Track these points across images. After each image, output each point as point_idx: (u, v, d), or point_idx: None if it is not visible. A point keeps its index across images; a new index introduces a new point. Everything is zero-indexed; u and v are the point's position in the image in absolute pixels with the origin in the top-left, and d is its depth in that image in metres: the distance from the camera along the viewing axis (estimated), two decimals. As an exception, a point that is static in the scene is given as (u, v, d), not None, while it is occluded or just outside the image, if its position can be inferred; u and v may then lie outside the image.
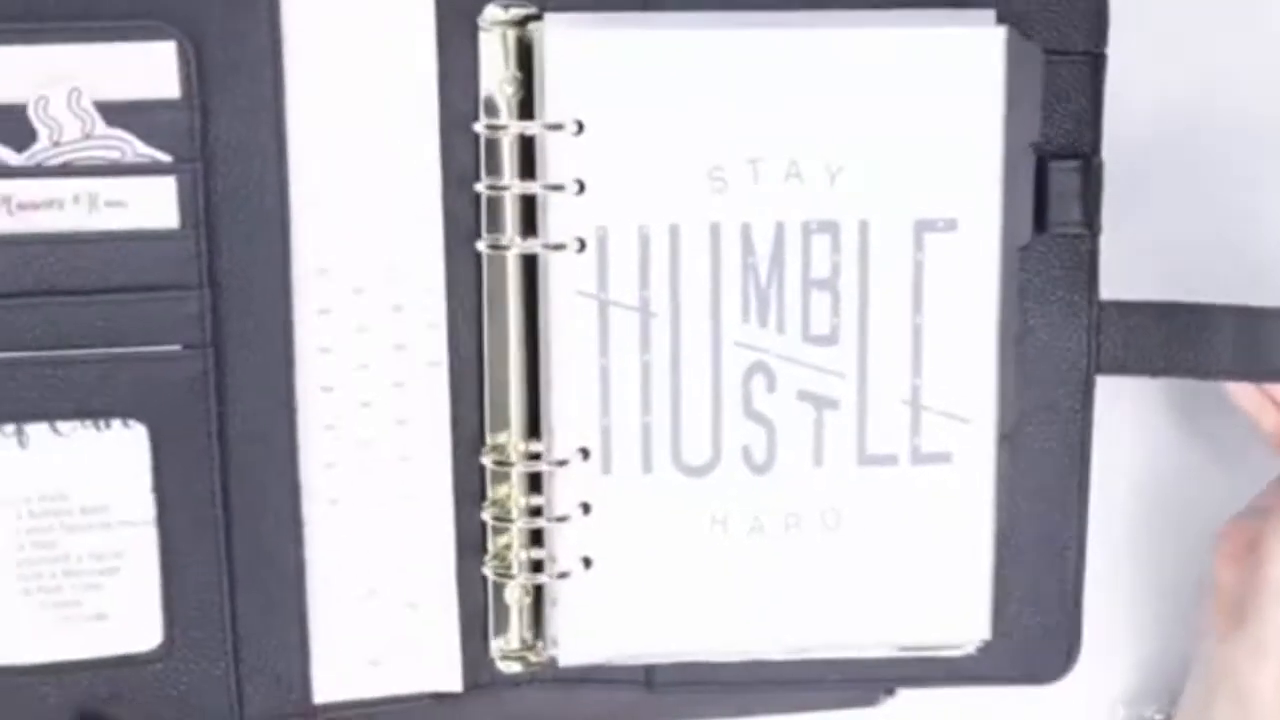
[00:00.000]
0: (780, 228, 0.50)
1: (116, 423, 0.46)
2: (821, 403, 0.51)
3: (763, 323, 0.50)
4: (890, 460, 0.51)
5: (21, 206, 0.45)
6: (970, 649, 0.53)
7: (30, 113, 0.44)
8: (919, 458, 0.51)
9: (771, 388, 0.51)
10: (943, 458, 0.51)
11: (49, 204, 0.45)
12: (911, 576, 0.52)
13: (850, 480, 0.51)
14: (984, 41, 0.49)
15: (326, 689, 0.50)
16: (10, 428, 0.46)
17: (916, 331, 0.51)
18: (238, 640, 0.49)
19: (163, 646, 0.48)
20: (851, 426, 0.51)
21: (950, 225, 0.50)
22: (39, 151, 0.45)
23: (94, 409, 0.46)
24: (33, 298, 0.45)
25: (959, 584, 0.52)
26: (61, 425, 0.46)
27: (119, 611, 0.47)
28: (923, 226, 0.50)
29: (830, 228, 0.50)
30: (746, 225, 0.50)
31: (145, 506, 0.47)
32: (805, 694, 0.55)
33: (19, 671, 0.47)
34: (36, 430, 0.46)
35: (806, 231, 0.50)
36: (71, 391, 0.46)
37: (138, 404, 0.46)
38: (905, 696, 0.57)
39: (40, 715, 0.47)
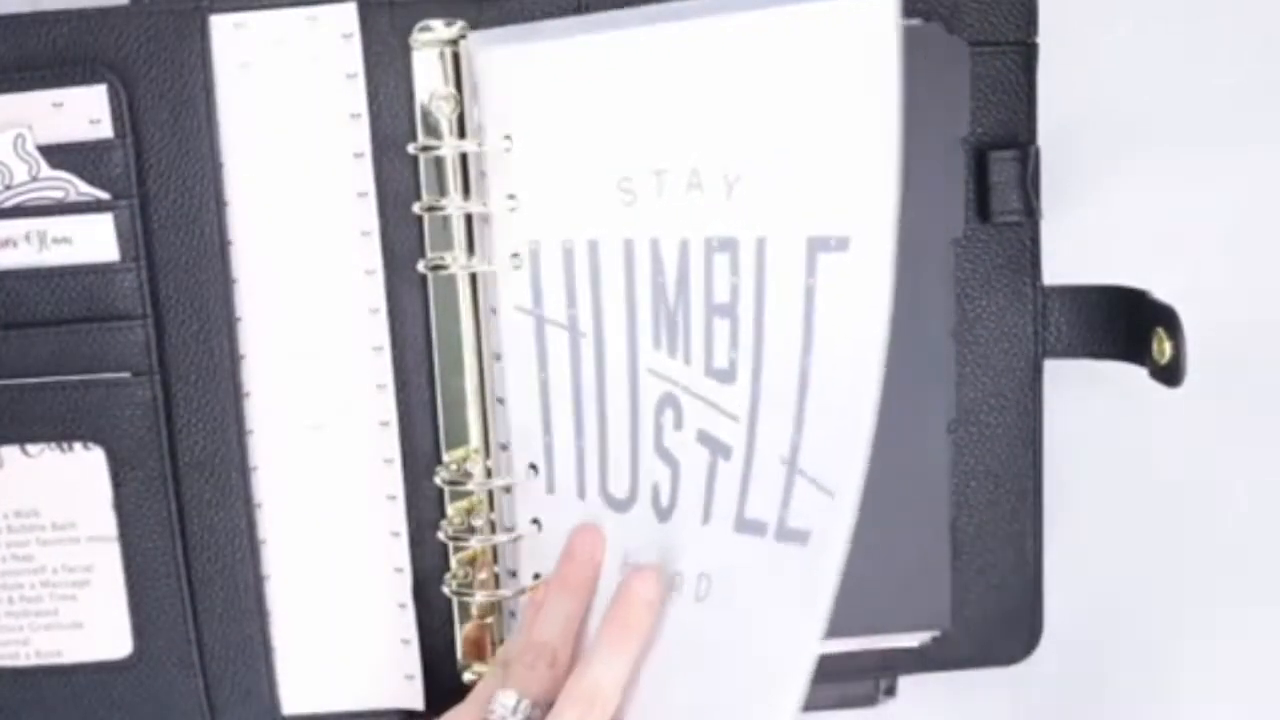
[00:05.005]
0: (685, 246, 0.47)
1: (78, 445, 0.49)
2: (717, 448, 0.46)
3: (672, 352, 0.47)
4: (760, 529, 0.45)
5: (-16, 247, 0.48)
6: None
7: (-16, 159, 0.48)
8: (783, 533, 0.44)
9: (679, 424, 0.47)
10: (800, 536, 0.43)
11: (6, 243, 0.48)
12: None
13: (724, 547, 0.45)
14: (873, 11, 0.42)
15: (294, 701, 0.52)
16: (-14, 450, 0.50)
17: (803, 377, 0.44)
18: (203, 652, 0.51)
19: (133, 655, 0.51)
20: (735, 483, 0.45)
21: (842, 244, 0.43)
22: (-5, 195, 0.48)
23: (55, 433, 0.49)
24: (-3, 330, 0.49)
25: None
26: (30, 447, 0.50)
27: (92, 620, 0.51)
28: (815, 245, 0.44)
29: (730, 245, 0.46)
30: (655, 241, 0.47)
31: (108, 523, 0.50)
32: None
33: (12, 673, 0.51)
34: (9, 452, 0.50)
35: (709, 250, 0.46)
36: (35, 416, 0.49)
37: (94, 428, 0.49)
38: (904, 697, 0.56)
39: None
